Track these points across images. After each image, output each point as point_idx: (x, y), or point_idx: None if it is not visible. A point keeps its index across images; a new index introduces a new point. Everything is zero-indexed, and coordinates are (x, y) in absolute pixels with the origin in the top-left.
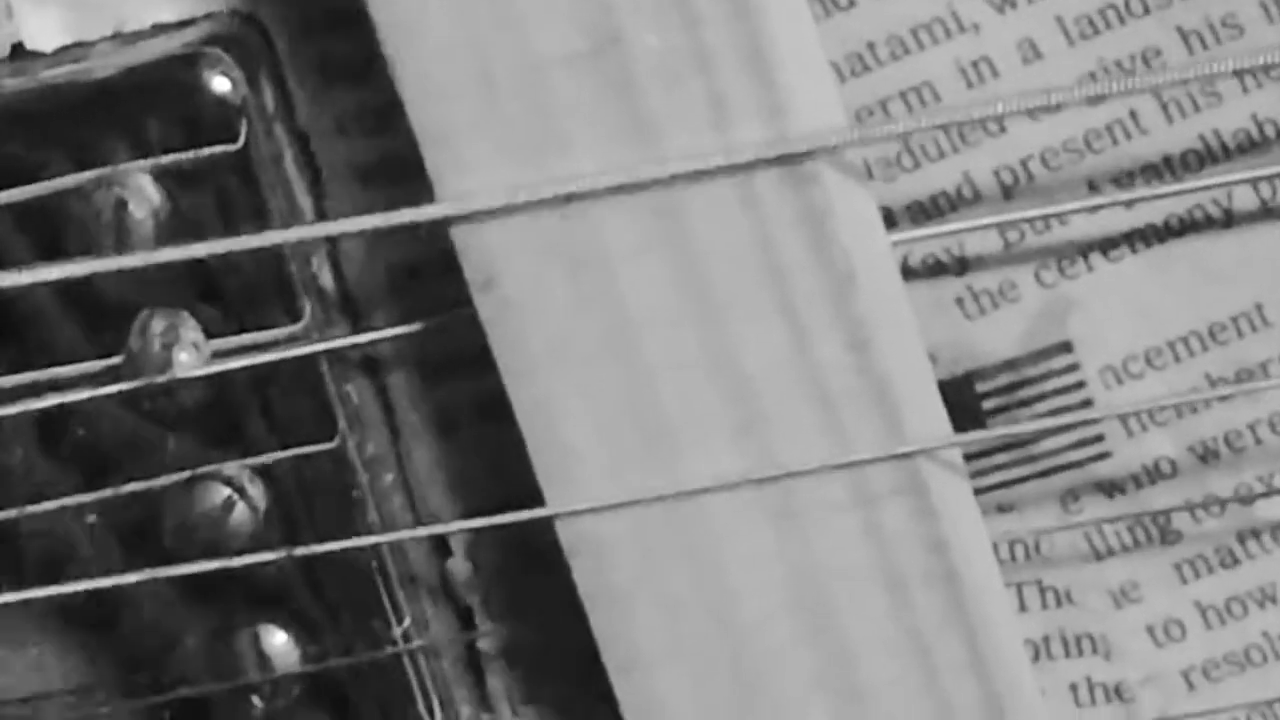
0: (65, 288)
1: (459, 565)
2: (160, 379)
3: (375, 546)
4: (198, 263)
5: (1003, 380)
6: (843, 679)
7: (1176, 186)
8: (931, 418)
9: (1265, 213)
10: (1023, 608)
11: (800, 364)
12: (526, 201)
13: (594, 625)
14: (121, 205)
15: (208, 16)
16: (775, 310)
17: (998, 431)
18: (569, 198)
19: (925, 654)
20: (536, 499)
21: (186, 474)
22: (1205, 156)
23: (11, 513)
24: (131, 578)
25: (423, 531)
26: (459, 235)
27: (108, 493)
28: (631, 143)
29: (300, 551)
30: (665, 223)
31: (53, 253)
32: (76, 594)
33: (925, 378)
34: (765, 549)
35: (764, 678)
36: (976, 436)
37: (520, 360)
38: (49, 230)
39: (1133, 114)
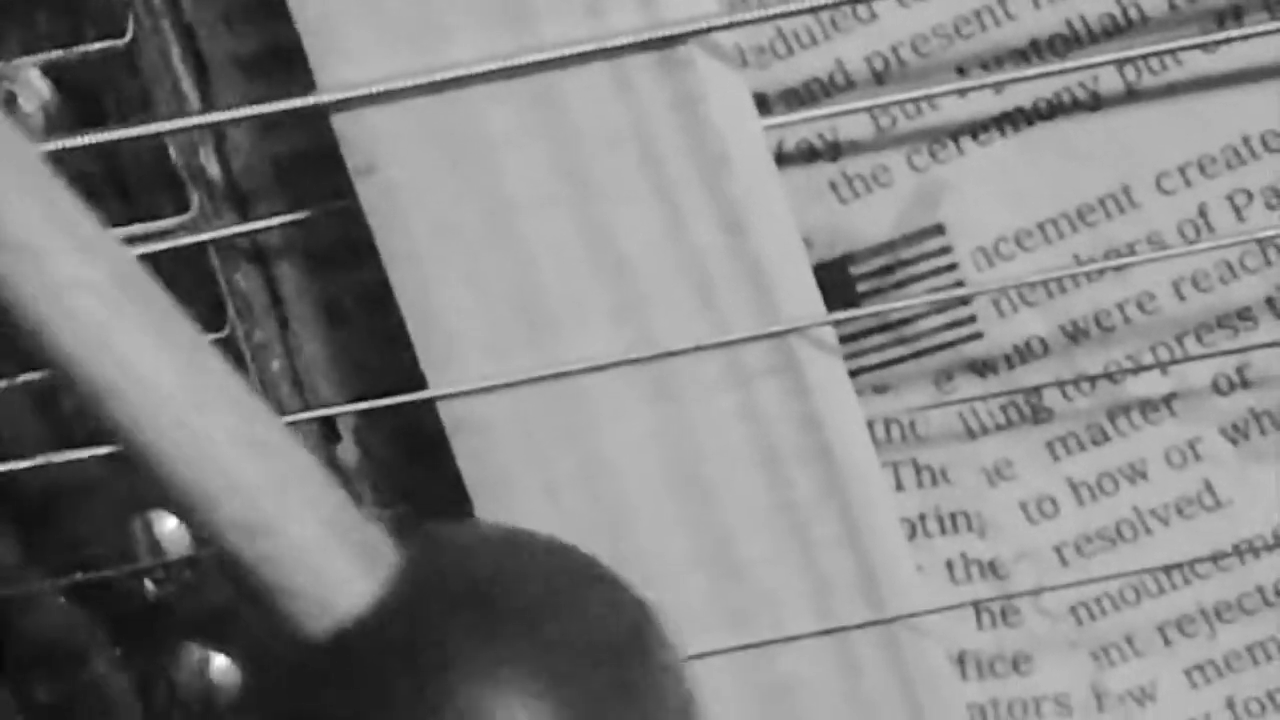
0: None
1: (347, 450)
2: None
3: None
4: (86, 156)
5: (877, 263)
6: (721, 557)
7: (1043, 69)
8: (805, 299)
9: (1131, 95)
10: (899, 486)
11: (676, 246)
12: (406, 89)
13: (477, 507)
14: (10, 99)
15: None
16: (651, 193)
17: (868, 310)
18: (448, 84)
19: (801, 530)
20: (421, 388)
21: None
22: (1072, 40)
23: None
24: (18, 465)
25: (309, 415)
26: (340, 123)
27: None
28: (510, 30)
29: None
30: (543, 108)
31: None
32: None
33: (799, 259)
34: (643, 429)
35: (643, 557)
36: (848, 315)
37: (401, 245)
38: None
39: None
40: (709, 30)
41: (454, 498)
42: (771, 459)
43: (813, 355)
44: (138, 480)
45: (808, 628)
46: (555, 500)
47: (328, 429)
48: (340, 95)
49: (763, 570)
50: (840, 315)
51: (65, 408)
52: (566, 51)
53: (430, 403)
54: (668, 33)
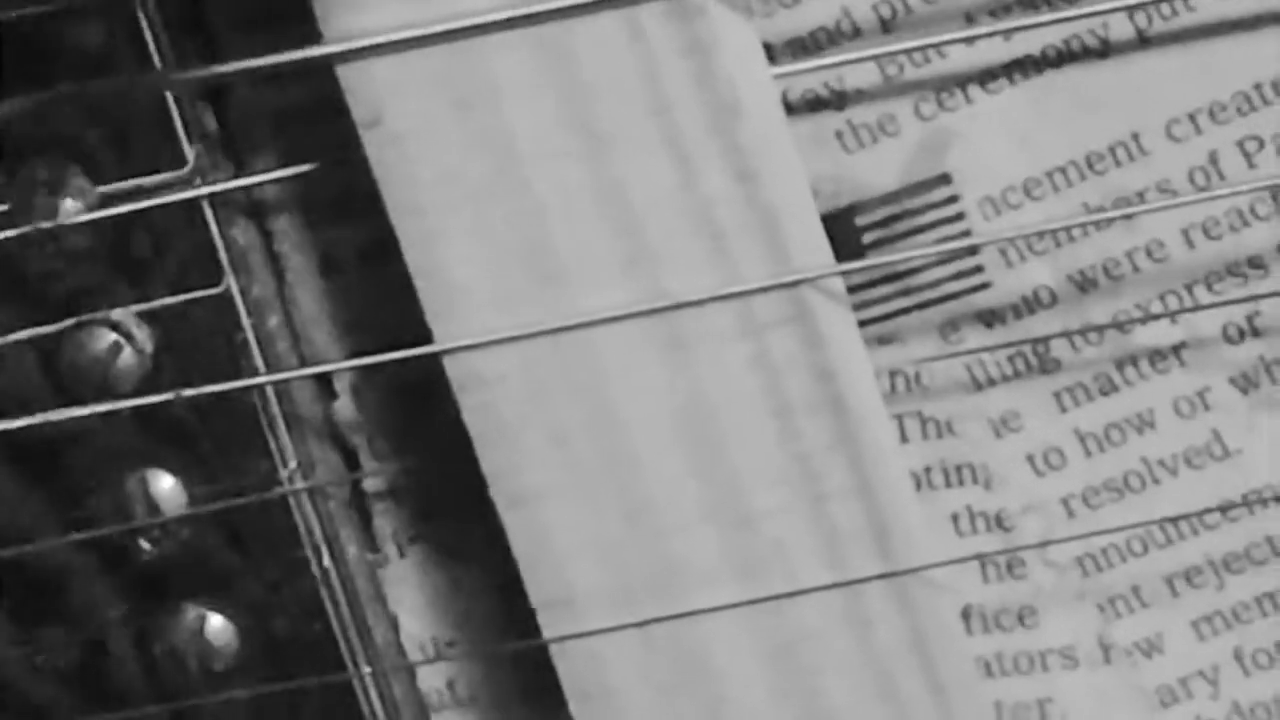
0: None
1: (344, 407)
2: (45, 226)
3: (261, 389)
4: (82, 110)
5: (883, 213)
6: (732, 507)
7: (1053, 16)
8: (816, 248)
9: (1141, 42)
10: (904, 439)
11: (687, 196)
12: (413, 39)
13: (482, 461)
14: None
15: None
16: (662, 143)
17: (884, 260)
18: (455, 34)
19: (812, 481)
20: (420, 342)
21: (73, 320)
22: None
23: None
24: (18, 423)
25: (311, 371)
26: (346, 74)
27: None
28: None
29: (189, 393)
30: (552, 58)
31: None
32: None
33: (809, 209)
34: (654, 380)
35: (653, 509)
36: (863, 265)
37: (408, 197)
38: None
39: None
40: None
41: (452, 453)
42: (783, 410)
43: (824, 305)
44: (135, 438)
45: (818, 580)
46: (564, 453)
47: (324, 384)
48: (346, 46)
49: (773, 522)
50: (854, 265)
51: (65, 362)
52: (575, 1)
53: (430, 357)
54: None
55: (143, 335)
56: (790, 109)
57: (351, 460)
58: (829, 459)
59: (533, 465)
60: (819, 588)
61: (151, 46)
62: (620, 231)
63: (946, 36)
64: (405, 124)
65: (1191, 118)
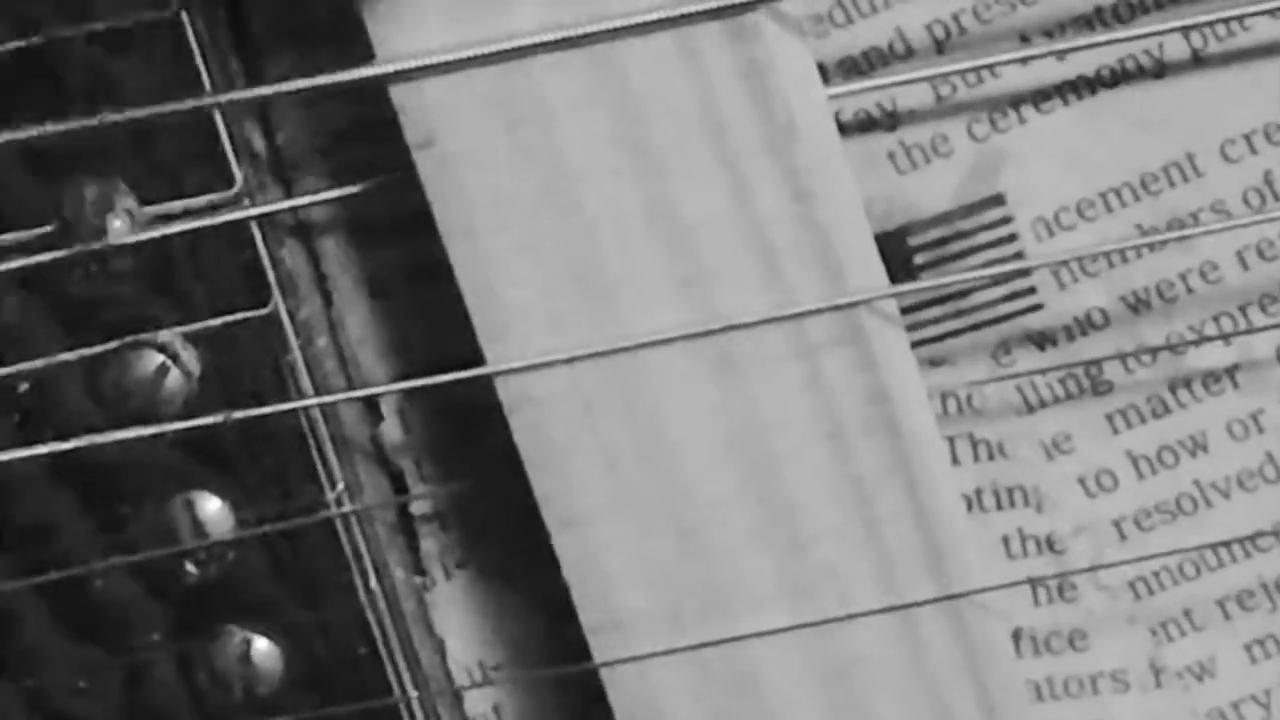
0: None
1: (390, 429)
2: (94, 246)
3: (308, 411)
4: (131, 130)
5: (935, 234)
6: (784, 530)
7: (1108, 36)
8: (870, 269)
9: (1196, 62)
10: (955, 461)
11: (741, 216)
12: (466, 59)
13: (534, 482)
14: None
15: None
16: (716, 163)
17: (940, 281)
18: (508, 54)
19: (866, 504)
20: (467, 364)
21: (120, 341)
22: (1137, 6)
23: None
24: (65, 445)
25: (362, 393)
26: (399, 94)
27: (39, 363)
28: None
29: (238, 415)
30: (605, 77)
31: None
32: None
33: (863, 230)
34: (706, 402)
35: (705, 531)
36: (919, 286)
37: (460, 218)
38: None
39: None
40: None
41: (498, 476)
42: (836, 432)
43: (878, 327)
44: (181, 460)
45: (872, 603)
46: (616, 475)
47: (371, 406)
48: (400, 66)
49: (826, 544)
50: (909, 287)
51: (111, 384)
52: (631, 21)
53: (479, 379)
54: (735, 1)
55: (189, 357)
56: (843, 129)
57: (398, 483)
58: (882, 481)
59: (584, 487)
60: (872, 611)
61: (201, 67)
62: (673, 252)
63: (1000, 57)
64: (458, 144)
65: (1246, 138)
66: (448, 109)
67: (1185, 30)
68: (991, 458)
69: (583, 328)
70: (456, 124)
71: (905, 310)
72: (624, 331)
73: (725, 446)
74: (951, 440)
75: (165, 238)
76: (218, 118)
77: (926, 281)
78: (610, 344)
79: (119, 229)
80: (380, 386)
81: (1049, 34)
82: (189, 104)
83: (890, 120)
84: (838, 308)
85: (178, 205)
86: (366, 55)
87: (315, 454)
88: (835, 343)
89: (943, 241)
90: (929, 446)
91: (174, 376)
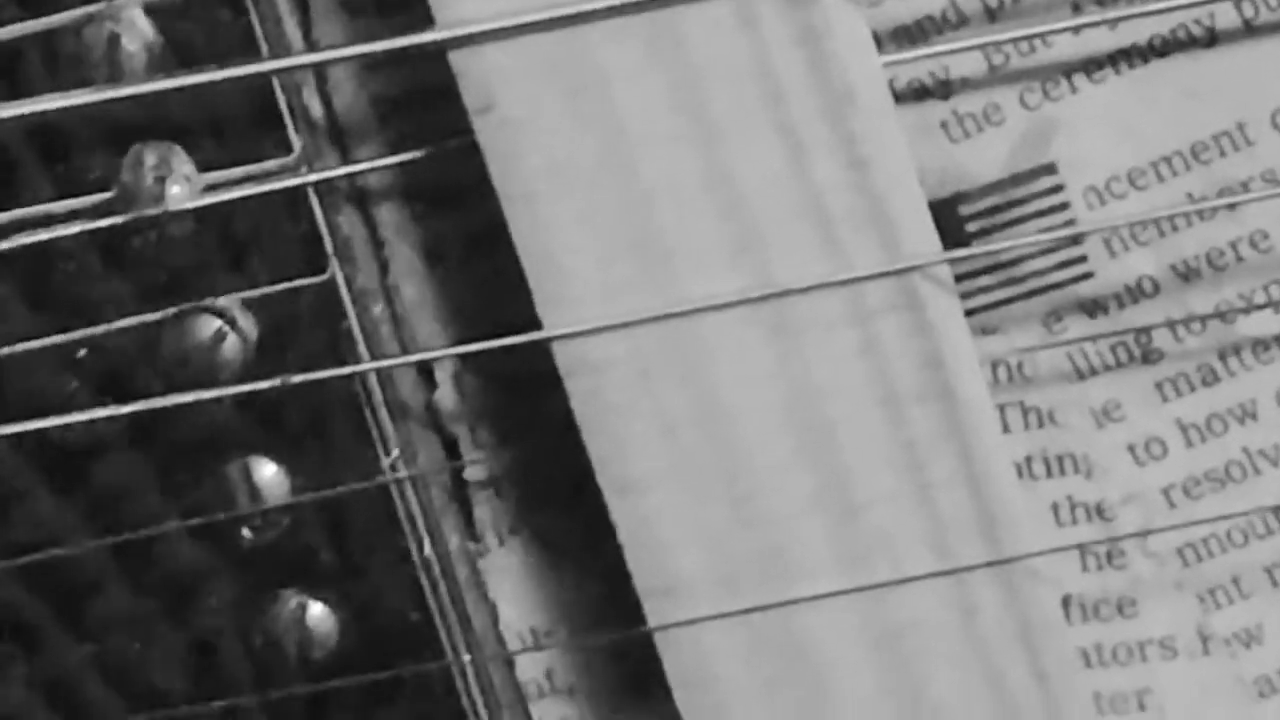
0: (57, 123)
1: (445, 396)
2: (152, 212)
3: (364, 377)
4: (190, 96)
5: (987, 203)
6: (838, 496)
7: (1160, 5)
8: (925, 236)
9: (1248, 31)
10: (1006, 429)
11: (797, 183)
12: (526, 24)
13: (590, 448)
14: (114, 40)
15: None
16: (772, 129)
17: (993, 247)
18: (569, 19)
19: (919, 470)
20: (523, 331)
21: (178, 308)
22: None
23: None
24: (123, 409)
25: (419, 357)
26: (457, 60)
27: (99, 329)
28: None
29: (295, 379)
30: (663, 43)
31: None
32: (65, 434)
33: (917, 197)
34: (762, 367)
35: (760, 496)
36: (975, 251)
37: (518, 183)
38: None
39: None
40: None
41: (552, 444)
42: (890, 398)
43: (933, 293)
44: (238, 425)
45: (925, 568)
46: (671, 440)
47: (426, 373)
48: (460, 31)
49: (879, 510)
50: (966, 252)
51: (169, 349)
52: None
53: (532, 346)
54: None
55: (247, 323)
56: (896, 98)
57: (452, 450)
58: (936, 447)
59: (640, 452)
60: (924, 575)
61: (259, 33)
62: (729, 218)
63: (1052, 25)
64: (517, 110)
65: None
66: (507, 75)
67: (1237, 0)
68: (1042, 425)
69: (640, 293)
70: (515, 90)
71: (957, 279)
72: (681, 297)
73: (780, 412)
74: (1002, 408)
75: (223, 204)
76: (276, 85)
77: (983, 247)
78: (667, 309)
79: (178, 195)
80: (440, 350)
81: (1100, 3)
82: (248, 69)
83: (943, 89)
84: (893, 273)
85: (237, 172)
86: (425, 21)
87: (371, 420)
88: (890, 308)
89: (995, 210)
90: (981, 413)
91: (231, 342)
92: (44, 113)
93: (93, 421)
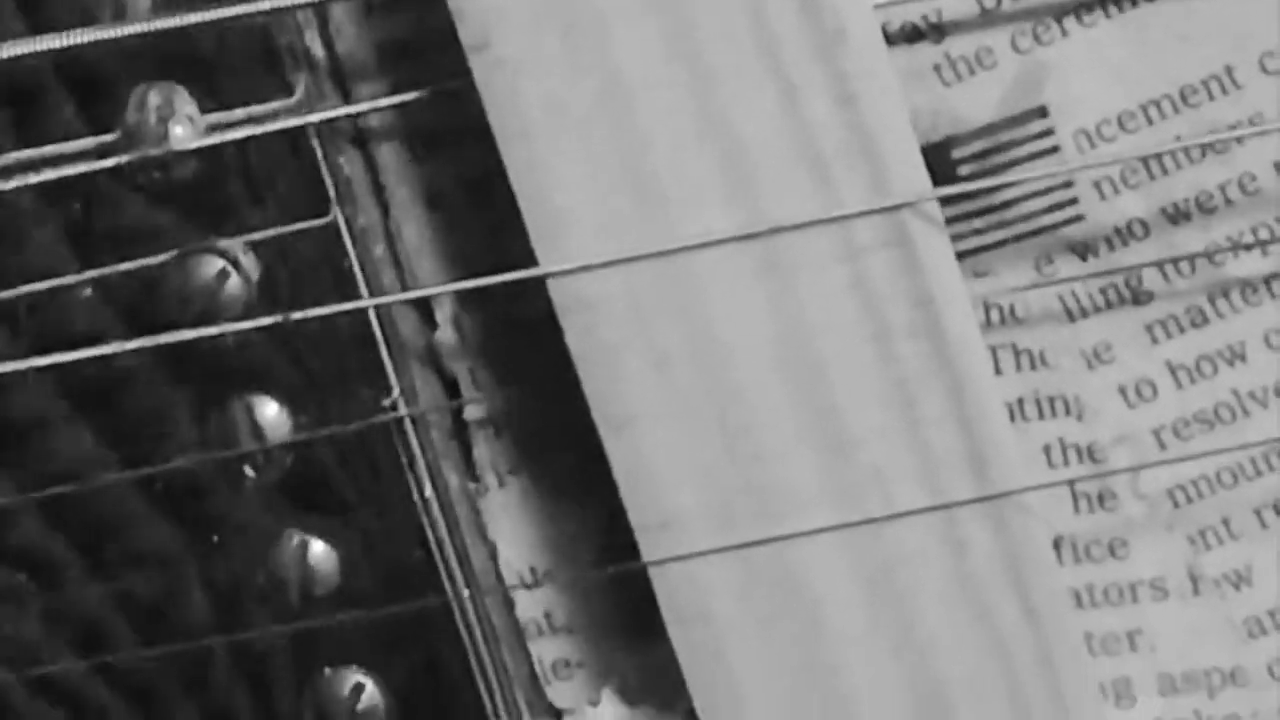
0: (61, 63)
1: (445, 336)
2: (156, 152)
3: (365, 317)
4: (192, 37)
5: (979, 145)
6: (829, 431)
7: None
8: (915, 173)
9: None
10: (998, 370)
11: (789, 121)
12: None
13: (585, 384)
14: None
15: None
16: (765, 69)
17: (984, 184)
18: None
19: (910, 406)
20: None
21: (181, 249)
22: None
23: (8, 292)
24: (129, 345)
25: (418, 294)
26: None
27: (107, 270)
28: None
29: (297, 315)
30: None
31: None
32: (75, 370)
33: (908, 135)
34: (754, 304)
35: (752, 432)
36: (964, 188)
37: (514, 122)
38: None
39: None
40: None
41: (551, 384)
42: (881, 334)
43: (923, 231)
44: (240, 364)
45: (915, 504)
46: (665, 376)
47: (426, 313)
48: None
49: (870, 445)
50: (953, 190)
51: (172, 289)
52: None
53: (530, 287)
54: None
55: (249, 263)
56: (889, 41)
57: (453, 390)
58: (926, 384)
59: (634, 389)
60: (915, 510)
61: None
62: (722, 157)
63: None
64: (513, 49)
65: None
66: (503, 12)
67: None
68: (1034, 367)
69: (634, 232)
70: (512, 28)
71: (949, 221)
72: (674, 235)
73: (772, 348)
74: (994, 350)
75: (226, 145)
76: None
77: (972, 184)
78: (661, 247)
79: (181, 135)
80: (436, 287)
81: None
82: (250, 8)
83: (936, 33)
84: (883, 210)
85: (240, 113)
86: None
87: (371, 360)
88: (880, 245)
89: (986, 153)
90: (972, 351)
91: (234, 282)
92: (62, 49)
93: (105, 358)
